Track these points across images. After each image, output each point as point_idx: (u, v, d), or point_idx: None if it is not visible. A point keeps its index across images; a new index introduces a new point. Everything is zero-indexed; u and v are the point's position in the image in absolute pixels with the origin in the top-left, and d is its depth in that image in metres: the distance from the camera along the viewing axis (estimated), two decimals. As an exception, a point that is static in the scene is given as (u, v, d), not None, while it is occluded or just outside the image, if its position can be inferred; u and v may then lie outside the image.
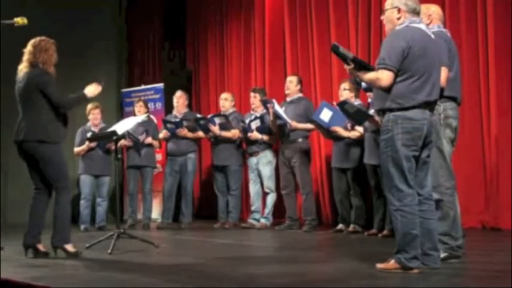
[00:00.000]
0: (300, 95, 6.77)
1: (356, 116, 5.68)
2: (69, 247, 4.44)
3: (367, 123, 5.75)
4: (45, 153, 4.40)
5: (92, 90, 4.66)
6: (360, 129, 6.00)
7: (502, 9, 5.91)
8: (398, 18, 3.51)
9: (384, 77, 3.40)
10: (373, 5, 6.87)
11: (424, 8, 4.00)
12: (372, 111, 5.63)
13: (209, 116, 7.23)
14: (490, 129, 5.96)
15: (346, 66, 3.63)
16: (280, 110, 6.55)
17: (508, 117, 5.85)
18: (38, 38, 4.53)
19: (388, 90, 3.42)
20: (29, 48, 4.50)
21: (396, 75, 3.40)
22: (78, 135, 7.18)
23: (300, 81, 6.81)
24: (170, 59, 9.88)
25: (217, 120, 7.04)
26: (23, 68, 4.50)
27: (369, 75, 3.50)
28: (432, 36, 3.54)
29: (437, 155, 3.78)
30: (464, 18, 6.15)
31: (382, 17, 3.65)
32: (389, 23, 3.57)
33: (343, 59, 3.61)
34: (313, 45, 7.61)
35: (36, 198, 4.51)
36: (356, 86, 5.93)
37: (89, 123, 7.21)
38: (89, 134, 6.84)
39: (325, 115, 6.13)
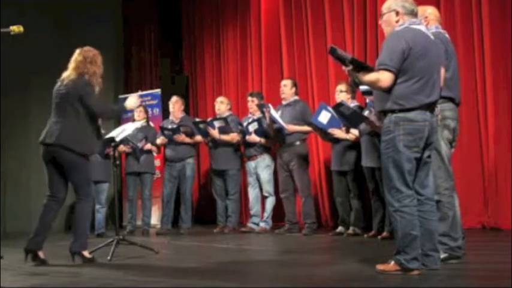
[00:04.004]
0: (296, 97, 6.77)
1: (351, 118, 5.64)
2: (86, 253, 4.49)
3: (362, 126, 5.73)
4: (73, 160, 4.41)
5: (132, 102, 4.71)
6: (355, 132, 5.99)
7: (497, 8, 5.92)
8: (397, 21, 3.50)
9: (385, 78, 3.37)
10: (369, 7, 6.88)
11: (421, 10, 4.00)
12: (366, 113, 5.62)
13: (208, 120, 7.23)
14: (487, 129, 5.96)
15: (344, 68, 3.54)
16: (276, 115, 6.55)
17: (506, 116, 5.86)
18: (87, 48, 4.57)
19: (388, 91, 3.40)
20: (78, 57, 4.52)
21: (397, 77, 3.38)
22: None
23: (295, 84, 6.81)
24: (167, 64, 9.89)
25: (216, 123, 7.04)
26: (70, 75, 4.50)
27: (369, 77, 3.44)
28: (432, 37, 3.54)
29: (435, 157, 3.77)
30: (459, 18, 6.16)
31: (380, 22, 3.64)
32: (388, 26, 3.56)
33: (342, 60, 3.52)
34: (310, 48, 7.63)
35: (48, 206, 4.49)
36: (354, 88, 5.91)
37: None
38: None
39: (324, 117, 6.13)
